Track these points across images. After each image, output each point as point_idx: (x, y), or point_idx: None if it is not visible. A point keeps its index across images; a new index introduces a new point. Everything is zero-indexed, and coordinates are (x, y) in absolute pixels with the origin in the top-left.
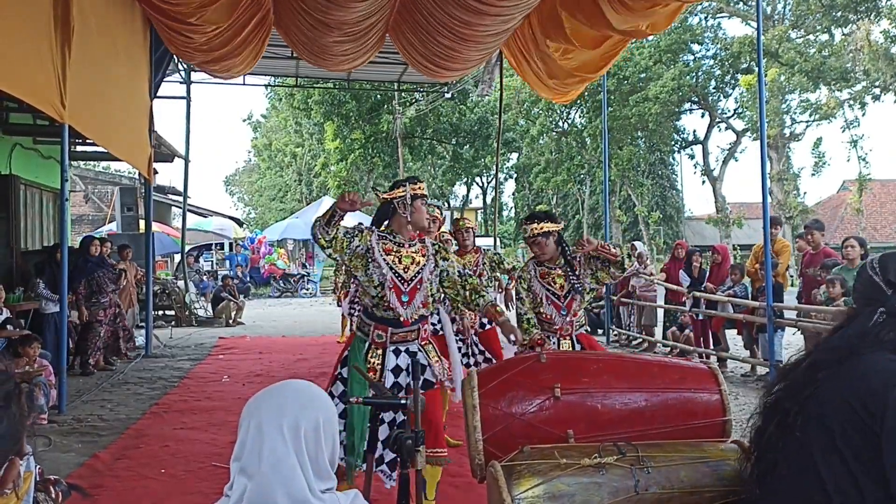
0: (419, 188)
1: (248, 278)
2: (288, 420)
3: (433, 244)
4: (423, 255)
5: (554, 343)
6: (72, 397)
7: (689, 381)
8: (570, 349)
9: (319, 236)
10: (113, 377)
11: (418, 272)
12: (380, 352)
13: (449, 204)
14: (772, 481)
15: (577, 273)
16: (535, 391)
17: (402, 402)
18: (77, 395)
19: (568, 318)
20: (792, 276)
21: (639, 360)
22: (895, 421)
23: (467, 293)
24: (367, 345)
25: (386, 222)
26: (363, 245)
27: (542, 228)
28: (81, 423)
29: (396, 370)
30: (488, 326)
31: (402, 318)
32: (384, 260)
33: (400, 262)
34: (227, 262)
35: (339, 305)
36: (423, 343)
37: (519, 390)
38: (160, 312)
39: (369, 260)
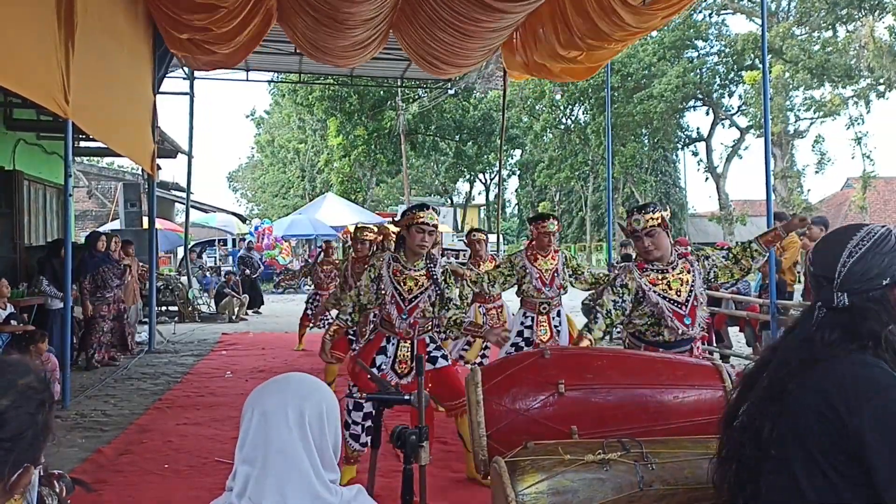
0: (414, 217)
1: (239, 270)
2: (292, 408)
3: (444, 272)
4: (428, 278)
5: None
6: (75, 392)
7: (694, 377)
8: None
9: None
10: (116, 372)
11: (418, 295)
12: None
13: (452, 201)
14: (757, 501)
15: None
16: (539, 387)
17: (407, 398)
18: (81, 391)
19: (697, 327)
20: (799, 272)
21: (643, 357)
22: (876, 437)
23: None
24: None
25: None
26: (378, 269)
27: (655, 219)
28: (85, 418)
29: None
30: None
31: (397, 330)
32: (390, 280)
33: (404, 283)
34: (231, 257)
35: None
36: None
37: (523, 386)
38: (163, 308)
39: (380, 282)
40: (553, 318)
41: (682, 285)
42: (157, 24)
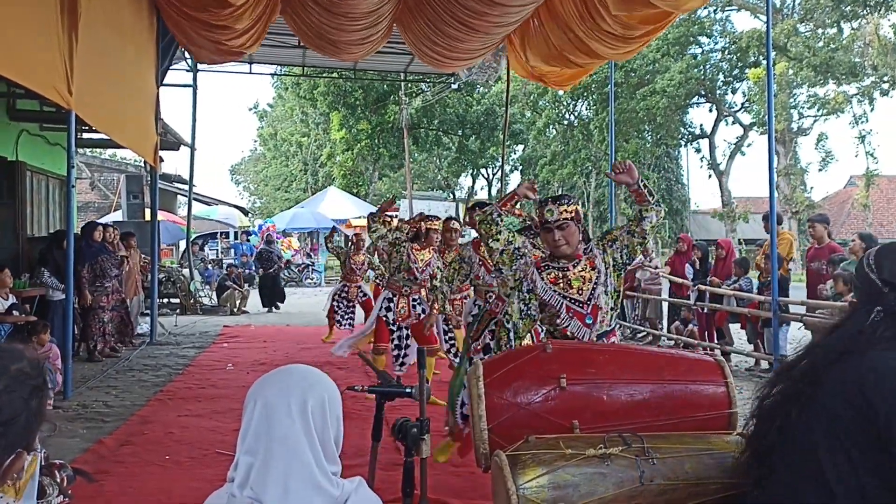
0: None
1: (252, 267)
2: (295, 398)
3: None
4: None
5: None
6: (77, 383)
7: (696, 372)
8: None
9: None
10: (118, 364)
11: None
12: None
13: (454, 195)
14: (774, 482)
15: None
16: (541, 381)
17: (408, 390)
18: (82, 382)
19: (595, 329)
20: (790, 270)
21: (645, 352)
22: None
23: None
24: None
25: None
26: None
27: (568, 211)
28: (87, 408)
29: None
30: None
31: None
32: None
33: None
34: (233, 250)
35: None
36: None
37: (525, 380)
38: (165, 300)
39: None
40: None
41: (584, 283)
42: (164, 19)
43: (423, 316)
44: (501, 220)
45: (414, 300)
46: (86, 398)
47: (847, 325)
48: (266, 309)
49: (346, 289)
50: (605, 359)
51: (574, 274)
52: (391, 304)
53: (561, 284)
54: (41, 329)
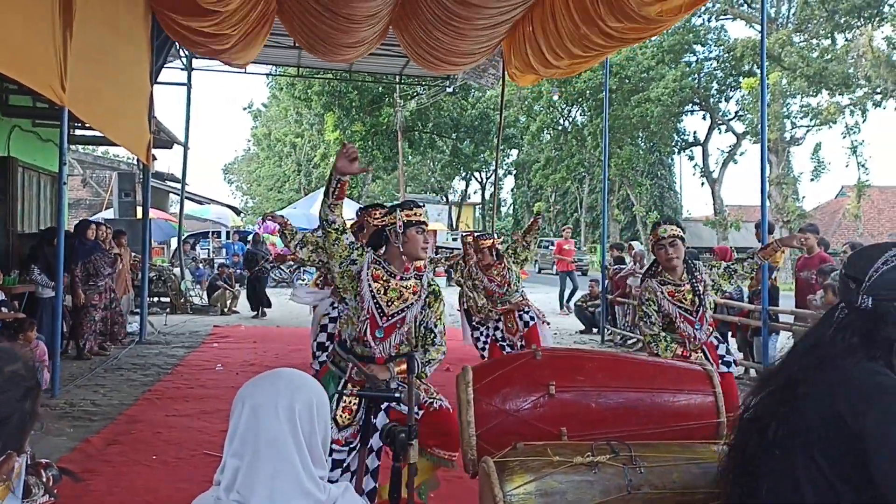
0: (415, 214)
1: (242, 267)
2: (283, 402)
3: (430, 284)
4: (415, 293)
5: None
6: (65, 381)
7: (684, 381)
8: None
9: (329, 214)
10: (107, 362)
11: (402, 310)
12: (356, 396)
13: (447, 199)
14: (756, 492)
15: (700, 290)
16: (530, 388)
17: (397, 395)
18: (70, 380)
19: (705, 330)
20: (775, 278)
21: (634, 360)
22: (878, 439)
23: (420, 346)
24: (342, 382)
25: (381, 250)
26: (359, 264)
27: (675, 232)
28: (74, 407)
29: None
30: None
31: (375, 356)
32: (369, 286)
33: (385, 293)
34: (224, 250)
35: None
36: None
37: (514, 387)
38: (155, 299)
39: (359, 283)
40: None
41: (693, 296)
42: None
43: None
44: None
45: None
46: (73, 396)
47: (820, 327)
48: (253, 313)
49: None
50: (594, 366)
51: (686, 290)
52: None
53: (677, 298)
54: (28, 326)
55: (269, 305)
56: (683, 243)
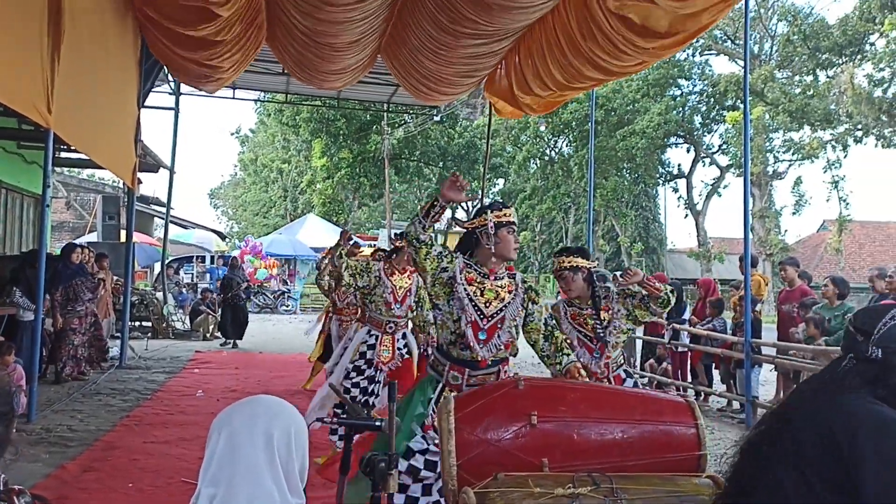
0: (504, 215)
1: (218, 292)
2: (260, 429)
3: (524, 282)
4: (510, 292)
5: None
6: (42, 406)
7: (666, 413)
8: None
9: (418, 233)
10: (85, 387)
11: (501, 309)
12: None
13: (434, 226)
14: None
15: (601, 319)
16: (512, 418)
17: (377, 423)
18: (48, 404)
19: (602, 362)
20: (758, 310)
21: (617, 391)
22: (873, 466)
23: (551, 347)
24: (440, 386)
25: (469, 253)
26: (451, 270)
27: (571, 262)
28: (50, 432)
29: None
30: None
31: (479, 359)
32: (465, 290)
33: (482, 294)
34: (208, 274)
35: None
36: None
37: (496, 416)
38: (137, 323)
39: (452, 289)
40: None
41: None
42: (148, 43)
43: (406, 358)
44: None
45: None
46: (50, 422)
47: (825, 374)
48: (224, 343)
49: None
50: (576, 396)
51: (588, 315)
52: (374, 343)
53: (578, 321)
54: (5, 350)
55: (241, 335)
56: (579, 272)
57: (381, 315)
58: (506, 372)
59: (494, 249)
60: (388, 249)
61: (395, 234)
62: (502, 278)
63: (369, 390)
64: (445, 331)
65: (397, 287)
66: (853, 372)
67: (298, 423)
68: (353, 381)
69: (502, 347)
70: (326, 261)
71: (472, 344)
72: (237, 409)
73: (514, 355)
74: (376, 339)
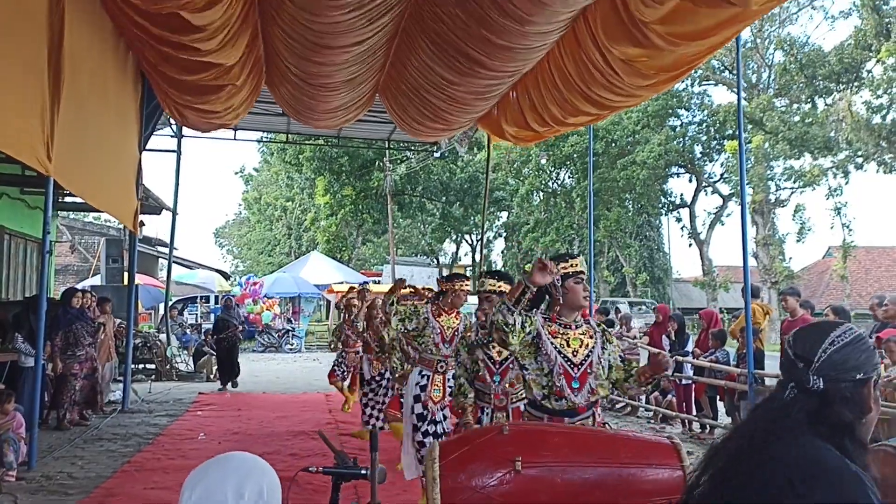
0: (570, 266)
1: (213, 334)
2: (231, 487)
3: (599, 325)
4: (591, 337)
5: (487, 416)
6: (43, 453)
7: (651, 456)
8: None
9: (508, 318)
10: (87, 433)
11: (588, 355)
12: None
13: (438, 261)
14: None
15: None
16: (496, 464)
17: (363, 472)
18: (48, 451)
19: (502, 387)
20: (759, 342)
21: (601, 435)
22: None
23: (629, 378)
24: None
25: (547, 305)
26: (532, 330)
27: (500, 287)
28: (50, 480)
29: None
30: None
31: (577, 406)
32: (551, 344)
33: (568, 345)
34: (212, 315)
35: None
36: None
37: (480, 462)
38: (140, 366)
39: (538, 346)
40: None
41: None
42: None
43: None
44: None
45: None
46: (50, 469)
47: (764, 407)
48: (220, 387)
49: (344, 354)
50: (560, 440)
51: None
52: (425, 384)
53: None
54: (5, 398)
55: (236, 376)
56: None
57: (432, 355)
58: (599, 414)
59: (563, 301)
60: (436, 291)
61: (442, 277)
62: (581, 325)
63: (439, 431)
64: (536, 387)
65: (445, 327)
66: (794, 404)
67: (271, 480)
68: (422, 430)
69: (595, 391)
70: (357, 301)
71: (566, 394)
72: (210, 467)
73: (605, 397)
74: (428, 380)
